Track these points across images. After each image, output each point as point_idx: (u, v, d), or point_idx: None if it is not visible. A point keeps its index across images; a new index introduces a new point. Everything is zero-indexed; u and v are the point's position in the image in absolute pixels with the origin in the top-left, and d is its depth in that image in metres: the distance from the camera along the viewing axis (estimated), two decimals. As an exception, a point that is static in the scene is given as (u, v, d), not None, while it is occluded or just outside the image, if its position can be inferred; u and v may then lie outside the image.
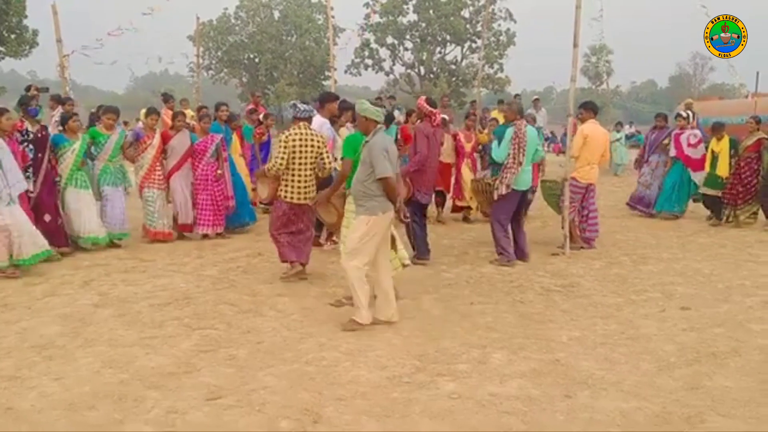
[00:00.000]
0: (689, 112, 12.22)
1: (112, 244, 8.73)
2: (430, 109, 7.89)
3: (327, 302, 6.39)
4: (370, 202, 5.61)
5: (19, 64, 37.82)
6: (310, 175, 7.02)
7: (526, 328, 5.72)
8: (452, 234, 10.11)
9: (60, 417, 3.99)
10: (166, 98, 13.86)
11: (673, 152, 11.63)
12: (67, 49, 9.88)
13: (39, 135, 8.17)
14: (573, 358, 5.01)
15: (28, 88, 10.90)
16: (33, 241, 7.32)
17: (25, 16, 30.00)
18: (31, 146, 8.01)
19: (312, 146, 6.93)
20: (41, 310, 6.07)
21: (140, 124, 9.48)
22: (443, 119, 10.59)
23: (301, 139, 6.81)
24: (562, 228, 8.72)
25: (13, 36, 29.94)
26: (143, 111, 9.50)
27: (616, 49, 54.41)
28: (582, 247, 8.88)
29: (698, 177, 11.41)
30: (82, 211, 8.40)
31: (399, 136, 10.39)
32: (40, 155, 8.08)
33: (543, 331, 5.64)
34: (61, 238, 8.20)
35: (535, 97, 18.10)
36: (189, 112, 12.93)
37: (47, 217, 8.02)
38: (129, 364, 4.81)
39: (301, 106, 7.09)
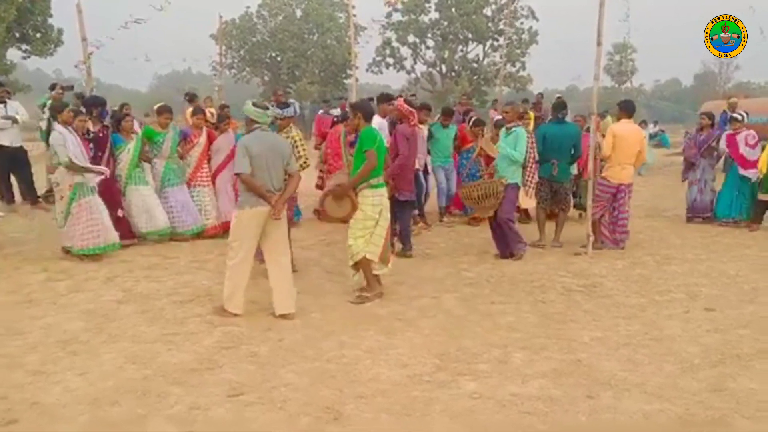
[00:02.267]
0: (743, 114, 11.32)
1: (179, 237, 9.08)
2: (410, 109, 8.18)
3: (347, 300, 6.40)
4: (240, 197, 5.92)
5: (44, 63, 38.20)
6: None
7: (547, 328, 5.68)
8: (473, 233, 10.07)
9: (84, 411, 4.04)
10: (192, 98, 13.84)
11: (726, 150, 10.98)
12: (92, 49, 9.95)
13: (100, 134, 8.61)
14: (595, 359, 4.98)
15: (52, 87, 11.06)
16: (107, 232, 7.91)
17: (50, 15, 30.31)
18: (91, 145, 8.46)
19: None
20: (66, 306, 6.15)
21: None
22: (479, 120, 10.79)
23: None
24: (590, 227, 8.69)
25: (38, 35, 30.25)
26: (189, 110, 9.94)
27: (640, 46, 53.72)
28: (605, 246, 8.78)
29: (750, 174, 10.71)
30: (145, 207, 8.81)
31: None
32: (100, 153, 8.51)
33: (565, 332, 5.60)
34: (126, 231, 8.60)
35: (558, 95, 17.96)
36: (212, 111, 12.99)
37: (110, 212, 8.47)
38: (152, 360, 4.85)
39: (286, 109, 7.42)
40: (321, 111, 14.54)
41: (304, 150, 7.62)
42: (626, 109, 8.83)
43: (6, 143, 11.19)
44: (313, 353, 5.02)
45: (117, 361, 4.82)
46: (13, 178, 11.58)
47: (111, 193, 8.48)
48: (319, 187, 10.88)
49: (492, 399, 4.26)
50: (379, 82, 58.95)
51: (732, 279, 7.47)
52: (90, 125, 8.58)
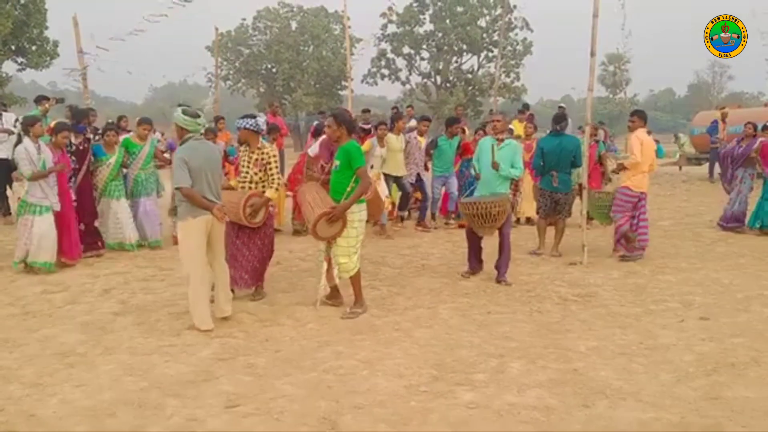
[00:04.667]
0: None
1: (145, 247, 9.36)
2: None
3: (341, 313, 6.38)
4: (180, 208, 5.85)
5: (39, 75, 38.31)
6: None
7: (543, 338, 5.70)
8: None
9: (81, 424, 4.03)
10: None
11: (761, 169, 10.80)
12: (88, 60, 10.01)
13: (81, 147, 8.82)
14: (591, 368, 5.00)
15: (37, 99, 11.15)
16: (49, 250, 7.86)
17: (46, 28, 30.33)
18: (73, 157, 8.67)
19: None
20: (62, 318, 6.15)
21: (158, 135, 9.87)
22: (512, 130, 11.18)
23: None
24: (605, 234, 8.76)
25: (34, 47, 30.26)
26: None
27: (634, 56, 54.04)
28: (624, 256, 8.85)
29: None
30: (114, 219, 9.05)
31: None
32: (79, 166, 8.75)
33: (561, 341, 5.62)
34: (97, 241, 8.85)
35: (561, 104, 17.97)
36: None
37: (82, 226, 8.59)
38: (148, 371, 4.86)
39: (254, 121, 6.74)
40: (316, 122, 14.59)
41: (276, 167, 6.75)
42: (644, 117, 8.90)
43: (3, 156, 11.21)
44: (309, 364, 5.03)
45: (114, 373, 4.82)
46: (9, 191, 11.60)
47: (88, 204, 8.80)
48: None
49: (489, 409, 4.28)
50: (374, 94, 59.27)
51: (726, 288, 7.51)
52: (72, 138, 8.70)
